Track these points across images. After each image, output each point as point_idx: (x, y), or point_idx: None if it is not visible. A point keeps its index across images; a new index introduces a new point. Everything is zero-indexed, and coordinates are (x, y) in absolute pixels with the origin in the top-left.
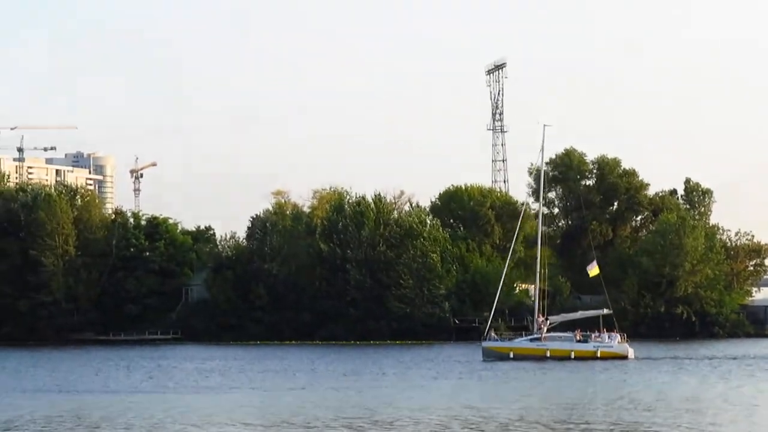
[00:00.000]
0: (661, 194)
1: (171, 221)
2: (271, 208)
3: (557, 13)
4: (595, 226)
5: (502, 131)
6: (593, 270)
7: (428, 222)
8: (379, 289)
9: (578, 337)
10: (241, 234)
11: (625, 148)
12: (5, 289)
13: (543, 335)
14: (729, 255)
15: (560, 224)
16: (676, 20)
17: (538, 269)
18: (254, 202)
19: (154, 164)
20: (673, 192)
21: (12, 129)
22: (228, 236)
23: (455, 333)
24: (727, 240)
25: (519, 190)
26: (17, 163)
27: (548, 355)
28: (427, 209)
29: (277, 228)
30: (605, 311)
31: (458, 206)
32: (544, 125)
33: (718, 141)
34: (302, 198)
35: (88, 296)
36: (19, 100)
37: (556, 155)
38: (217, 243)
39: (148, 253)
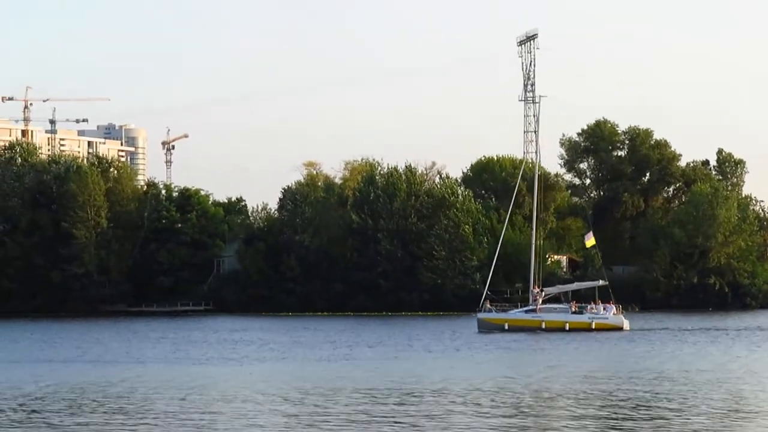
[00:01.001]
0: (693, 165)
1: (203, 193)
2: (302, 180)
3: None
4: (626, 198)
5: (534, 102)
6: (589, 241)
7: (460, 193)
8: (410, 261)
9: (573, 309)
10: (273, 205)
11: (658, 119)
12: (37, 260)
13: (538, 306)
14: (762, 226)
15: (592, 195)
16: None
17: (533, 241)
18: (286, 173)
19: (185, 136)
20: (706, 163)
21: (45, 101)
22: (259, 208)
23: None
24: (761, 211)
25: (551, 161)
26: (49, 135)
27: (543, 326)
28: (459, 180)
29: (308, 199)
30: (601, 282)
31: (490, 177)
32: (540, 96)
33: (751, 111)
34: (333, 169)
35: (120, 268)
36: (51, 72)
37: (587, 126)
38: (249, 214)
39: (179, 225)
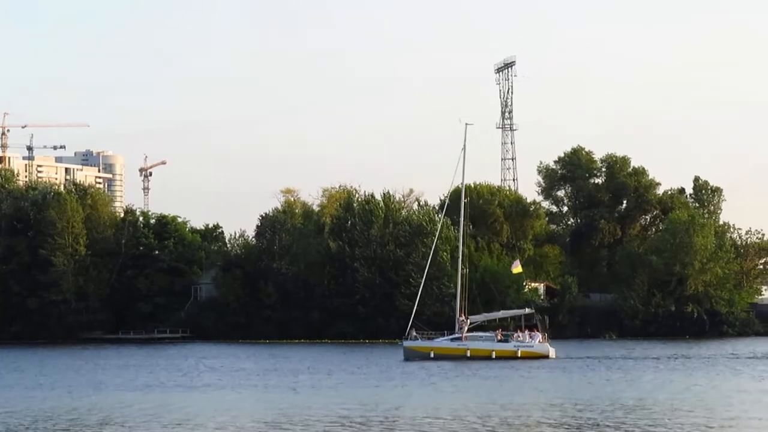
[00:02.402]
0: (670, 192)
1: (180, 219)
2: (280, 207)
3: (566, 11)
4: (604, 225)
5: (512, 129)
6: (516, 268)
7: (438, 220)
8: (388, 287)
9: (499, 337)
10: (251, 232)
11: (634, 147)
12: (15, 287)
13: (464, 335)
14: (739, 253)
15: (569, 222)
16: (682, 19)
17: (459, 267)
18: (264, 200)
19: (163, 162)
20: (682, 190)
21: (23, 127)
22: (237, 235)
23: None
24: (738, 238)
25: (528, 188)
26: (27, 162)
27: (468, 354)
28: (437, 207)
29: (286, 226)
30: (527, 310)
31: (467, 204)
32: (466, 124)
33: (727, 139)
34: (311, 196)
35: (98, 295)
36: (29, 98)
37: (564, 153)
38: (226, 241)
39: (157, 252)
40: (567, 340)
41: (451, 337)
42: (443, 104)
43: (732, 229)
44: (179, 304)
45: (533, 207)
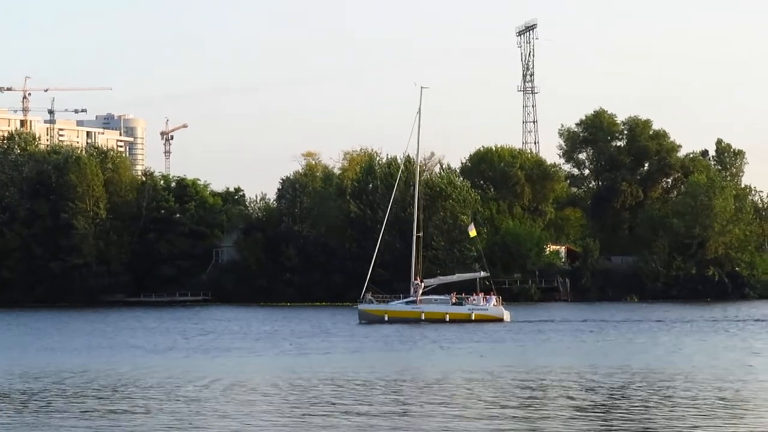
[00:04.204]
0: (692, 155)
1: (201, 183)
2: (301, 170)
3: None
4: (625, 188)
5: (533, 92)
6: (472, 231)
7: (458, 183)
8: (409, 251)
9: (453, 300)
10: (272, 196)
11: (657, 110)
12: (37, 251)
13: (418, 298)
14: (761, 216)
15: (591, 185)
16: None
17: (414, 230)
18: (285, 163)
19: (185, 126)
20: (705, 153)
21: (45, 91)
22: (258, 198)
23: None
24: (759, 201)
25: (550, 151)
26: (48, 125)
27: (423, 318)
28: (458, 171)
29: (307, 189)
30: (482, 274)
31: (488, 167)
32: (422, 87)
33: (751, 102)
34: (332, 159)
35: (120, 258)
36: (50, 61)
37: (586, 116)
38: (247, 205)
39: (178, 215)
40: (589, 303)
41: (405, 300)
42: (465, 68)
43: (754, 192)
44: (201, 267)
45: (554, 170)
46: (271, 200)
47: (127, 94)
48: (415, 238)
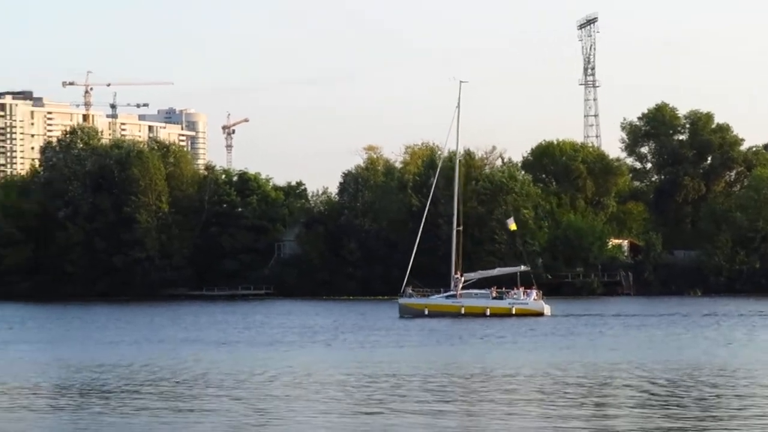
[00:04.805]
0: (755, 149)
1: (262, 177)
2: (363, 164)
3: None
4: (687, 181)
5: (594, 86)
6: (512, 225)
7: (520, 177)
8: (470, 245)
9: (494, 294)
10: (333, 189)
11: (719, 103)
12: (100, 245)
13: (459, 292)
14: None
15: (653, 179)
16: None
17: (454, 226)
18: (346, 157)
19: (246, 120)
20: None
21: (107, 86)
22: (320, 192)
23: (547, 288)
24: None
25: (611, 145)
26: (110, 120)
27: (463, 312)
28: (519, 165)
29: (368, 183)
30: (522, 268)
31: (550, 161)
32: (460, 82)
33: None
34: (394, 153)
35: (182, 252)
36: (112, 56)
37: (648, 110)
38: (309, 198)
39: (240, 209)
40: (652, 297)
41: (446, 294)
42: (527, 62)
43: None
44: (262, 261)
45: (617, 163)
46: (333, 194)
47: (189, 89)
48: (454, 232)
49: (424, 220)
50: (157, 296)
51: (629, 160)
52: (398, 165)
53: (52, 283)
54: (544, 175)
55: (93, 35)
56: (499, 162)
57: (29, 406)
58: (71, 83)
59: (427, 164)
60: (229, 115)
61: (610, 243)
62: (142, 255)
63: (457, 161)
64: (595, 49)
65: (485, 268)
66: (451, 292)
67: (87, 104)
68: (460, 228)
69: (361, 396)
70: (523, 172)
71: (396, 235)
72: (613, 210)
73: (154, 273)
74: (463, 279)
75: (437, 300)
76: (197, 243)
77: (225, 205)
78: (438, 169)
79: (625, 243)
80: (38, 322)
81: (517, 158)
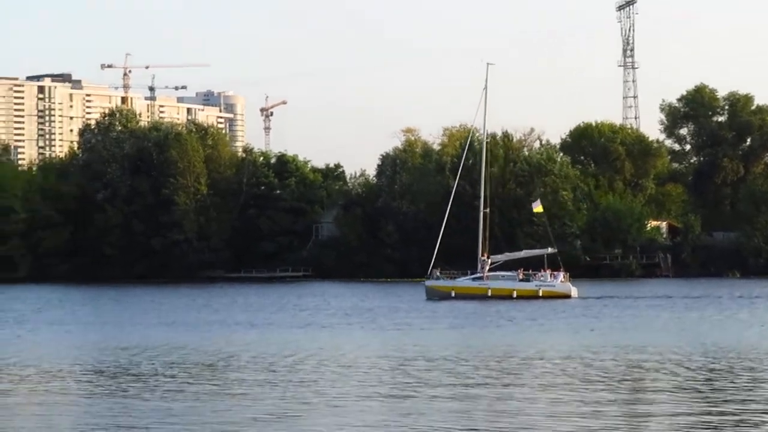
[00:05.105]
0: None
1: (300, 159)
2: (400, 146)
3: None
4: (726, 163)
5: (633, 68)
6: (537, 207)
7: (558, 159)
8: (508, 227)
9: (521, 276)
10: (371, 172)
11: (759, 85)
12: (138, 227)
13: (485, 274)
14: None
15: (692, 161)
16: None
17: (481, 208)
18: (384, 140)
19: (284, 102)
20: None
21: (145, 68)
22: (357, 174)
23: (586, 270)
24: None
25: (650, 127)
26: (148, 102)
27: (489, 294)
28: (558, 146)
29: (406, 165)
30: (550, 250)
31: (589, 143)
32: (488, 64)
33: None
34: (432, 135)
35: (220, 234)
36: (151, 38)
37: (687, 91)
38: (347, 181)
39: (278, 191)
40: (690, 279)
41: (472, 276)
42: (566, 44)
43: None
44: (300, 243)
45: (655, 145)
46: (371, 176)
47: (227, 71)
48: (481, 214)
49: (455, 201)
50: (195, 278)
51: (668, 142)
52: (436, 147)
53: (91, 266)
54: (582, 157)
55: (131, 18)
56: (537, 144)
57: (65, 389)
58: (110, 66)
59: (464, 146)
60: (267, 97)
61: (649, 225)
62: (180, 237)
63: (485, 143)
64: (634, 30)
65: (512, 251)
66: (478, 274)
67: (125, 87)
68: (487, 210)
69: (391, 380)
70: (561, 154)
71: (434, 218)
72: (652, 192)
73: (192, 255)
74: (489, 261)
75: (464, 282)
76: (235, 225)
77: (263, 188)
78: (474, 152)
79: (664, 225)
80: (75, 305)
81: (556, 140)
